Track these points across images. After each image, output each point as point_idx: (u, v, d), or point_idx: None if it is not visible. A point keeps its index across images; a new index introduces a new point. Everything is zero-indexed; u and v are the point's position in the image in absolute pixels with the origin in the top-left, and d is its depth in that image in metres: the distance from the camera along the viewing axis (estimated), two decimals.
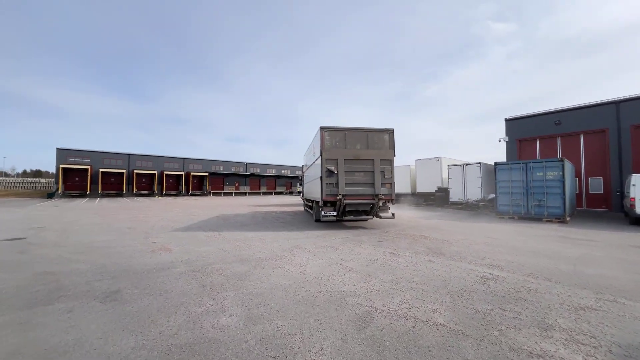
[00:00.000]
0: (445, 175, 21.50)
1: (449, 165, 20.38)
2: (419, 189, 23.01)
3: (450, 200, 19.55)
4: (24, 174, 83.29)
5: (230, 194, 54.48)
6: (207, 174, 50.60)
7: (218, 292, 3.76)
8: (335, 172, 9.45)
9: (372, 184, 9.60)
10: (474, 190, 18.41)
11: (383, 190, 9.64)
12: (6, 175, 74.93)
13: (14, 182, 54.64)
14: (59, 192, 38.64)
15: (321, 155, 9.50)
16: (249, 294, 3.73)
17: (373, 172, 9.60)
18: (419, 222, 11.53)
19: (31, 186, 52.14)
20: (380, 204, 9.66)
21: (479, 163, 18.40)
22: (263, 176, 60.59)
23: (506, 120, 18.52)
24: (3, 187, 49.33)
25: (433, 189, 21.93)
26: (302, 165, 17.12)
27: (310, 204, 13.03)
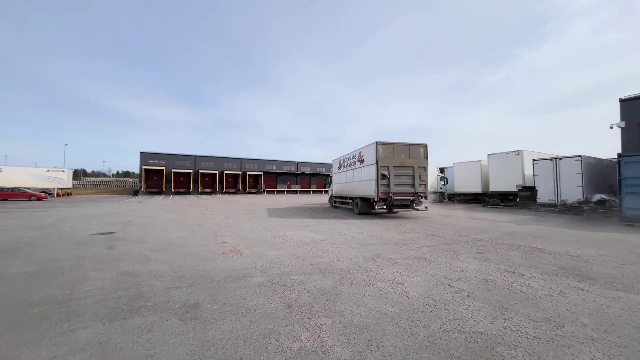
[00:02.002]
0: (528, 171, 18.10)
1: (534, 160, 17.03)
2: (493, 188, 19.87)
3: (538, 201, 16.29)
4: (117, 174, 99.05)
5: (282, 192, 56.13)
6: (261, 173, 52.88)
7: (309, 318, 2.97)
8: (387, 175, 12.17)
9: (413, 185, 12.46)
10: (572, 190, 14.92)
11: (420, 189, 12.55)
12: (105, 175, 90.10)
13: (110, 181, 65.15)
14: (142, 189, 44.33)
15: (376, 163, 12.14)
16: (349, 324, 2.84)
17: (413, 176, 12.45)
18: (512, 228, 9.48)
19: (122, 184, 61.44)
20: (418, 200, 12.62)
21: (579, 156, 14.84)
22: (313, 174, 61.07)
23: (621, 100, 14.58)
24: (103, 186, 59.05)
25: (511, 188, 18.69)
26: (331, 172, 20.41)
27: (348, 200, 15.78)
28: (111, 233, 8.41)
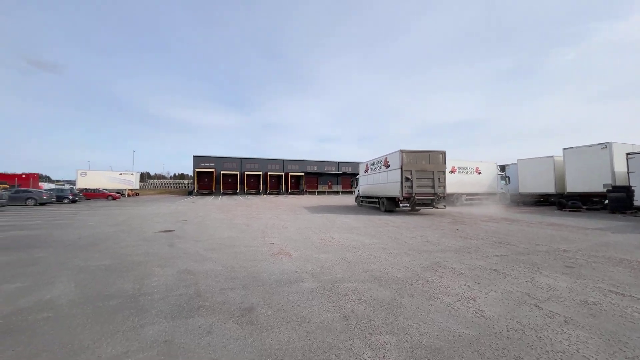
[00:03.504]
0: (619, 168, 15.21)
1: (628, 154, 14.25)
2: (571, 188, 17.14)
3: (636, 203, 13.54)
4: (174, 176, 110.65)
5: (323, 192, 56.56)
6: (302, 174, 53.99)
7: (370, 334, 2.71)
8: (411, 178, 14.33)
9: (433, 186, 14.55)
10: None
11: (439, 190, 14.59)
12: (164, 177, 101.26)
13: (168, 183, 72.87)
14: (195, 190, 48.58)
15: (401, 168, 14.41)
16: (418, 345, 2.52)
17: (433, 178, 14.57)
18: (605, 237, 7.95)
19: (178, 186, 68.35)
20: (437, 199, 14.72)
21: None
22: (355, 174, 60.31)
23: None
24: (163, 187, 66.34)
25: (596, 188, 15.90)
26: (358, 175, 22.90)
27: (375, 200, 18.12)
28: (171, 231, 9.21)
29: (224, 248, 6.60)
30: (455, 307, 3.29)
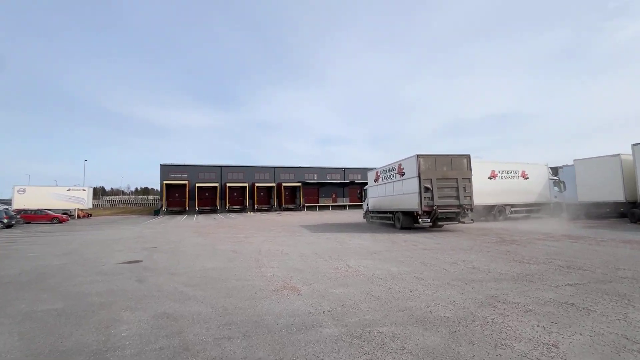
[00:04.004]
0: None
1: None
2: None
3: None
4: (136, 191, 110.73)
5: (326, 207, 56.33)
6: (299, 184, 53.99)
7: None
8: (431, 188, 14.56)
9: (457, 197, 14.83)
10: None
11: (465, 201, 14.89)
12: (123, 193, 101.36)
13: (129, 200, 72.85)
14: (163, 208, 48.37)
15: (419, 175, 14.72)
16: None
17: (457, 187, 14.88)
18: None
19: (141, 203, 68.23)
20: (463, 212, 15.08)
21: None
22: (365, 183, 60.37)
23: None
24: (121, 205, 66.26)
25: None
26: (366, 185, 23.56)
27: (388, 215, 18.42)
28: (137, 262, 9.04)
29: (210, 283, 6.44)
30: (534, 358, 3.09)
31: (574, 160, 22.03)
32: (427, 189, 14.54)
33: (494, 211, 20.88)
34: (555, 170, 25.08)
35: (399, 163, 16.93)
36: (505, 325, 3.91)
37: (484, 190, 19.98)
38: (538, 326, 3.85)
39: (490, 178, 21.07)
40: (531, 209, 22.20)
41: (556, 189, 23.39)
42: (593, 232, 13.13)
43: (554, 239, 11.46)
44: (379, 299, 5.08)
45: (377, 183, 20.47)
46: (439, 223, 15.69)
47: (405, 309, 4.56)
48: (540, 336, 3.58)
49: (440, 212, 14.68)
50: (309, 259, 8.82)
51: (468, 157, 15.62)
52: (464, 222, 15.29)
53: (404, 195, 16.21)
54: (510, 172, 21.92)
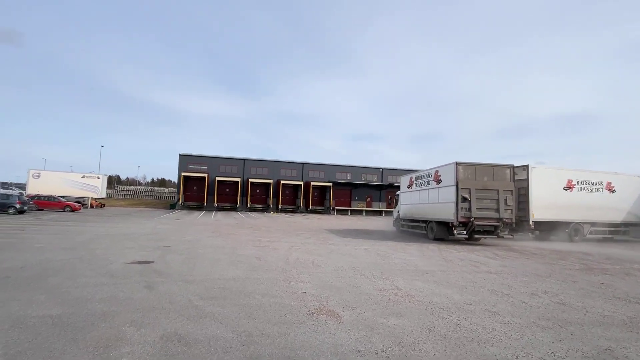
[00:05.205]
0: None
1: None
2: None
3: None
4: (152, 182, 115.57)
5: (359, 212, 55.53)
6: (330, 184, 53.45)
7: None
8: (469, 198, 15.08)
9: (497, 209, 15.38)
10: None
11: (506, 215, 15.46)
12: (139, 184, 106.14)
13: (144, 191, 75.96)
14: (180, 202, 49.77)
15: (456, 184, 15.31)
16: None
17: (498, 199, 15.42)
18: None
19: (157, 196, 70.83)
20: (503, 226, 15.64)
21: None
22: None
23: None
24: (137, 196, 69.14)
25: None
26: (398, 191, 24.47)
27: (421, 224, 19.16)
28: (149, 263, 8.92)
29: (230, 297, 6.07)
30: None
31: None
32: (464, 199, 15.11)
33: (568, 229, 19.27)
34: None
35: (436, 169, 17.61)
36: None
37: (557, 203, 18.67)
38: None
39: (566, 189, 19.43)
40: (617, 230, 20.40)
41: None
42: None
43: None
44: (445, 338, 4.38)
45: (410, 189, 21.17)
46: (476, 236, 16.28)
47: (484, 357, 3.84)
48: None
49: (477, 225, 15.27)
50: (347, 275, 8.28)
51: (511, 167, 16.42)
52: (503, 237, 16.00)
53: (439, 204, 16.89)
54: (592, 183, 20.12)
